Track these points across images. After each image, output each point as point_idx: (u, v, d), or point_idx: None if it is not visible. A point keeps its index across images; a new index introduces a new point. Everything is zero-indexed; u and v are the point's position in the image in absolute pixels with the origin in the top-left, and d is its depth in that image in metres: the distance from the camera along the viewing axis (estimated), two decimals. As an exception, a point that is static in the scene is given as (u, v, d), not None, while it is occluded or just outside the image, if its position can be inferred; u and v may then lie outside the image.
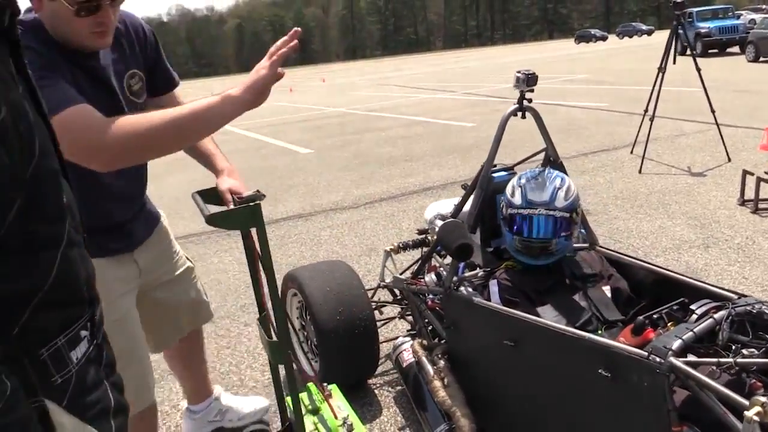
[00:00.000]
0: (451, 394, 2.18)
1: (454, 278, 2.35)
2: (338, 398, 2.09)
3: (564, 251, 2.30)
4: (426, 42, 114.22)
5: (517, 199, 2.25)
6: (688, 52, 7.28)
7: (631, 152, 7.06)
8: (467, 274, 2.42)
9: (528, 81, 2.28)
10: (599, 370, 1.75)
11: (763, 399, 1.38)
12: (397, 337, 2.78)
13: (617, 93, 13.09)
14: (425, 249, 2.94)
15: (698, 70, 6.40)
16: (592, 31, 55.59)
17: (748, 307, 1.80)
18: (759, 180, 4.78)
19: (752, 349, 1.67)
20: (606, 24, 78.36)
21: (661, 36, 43.68)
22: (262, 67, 1.53)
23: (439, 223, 2.41)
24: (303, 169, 8.36)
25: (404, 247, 2.94)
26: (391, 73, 35.69)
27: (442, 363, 2.32)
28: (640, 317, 1.91)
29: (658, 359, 1.62)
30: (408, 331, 2.93)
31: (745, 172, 4.97)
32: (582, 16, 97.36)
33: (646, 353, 1.66)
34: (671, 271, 2.28)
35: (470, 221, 2.37)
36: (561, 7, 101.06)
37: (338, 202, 6.28)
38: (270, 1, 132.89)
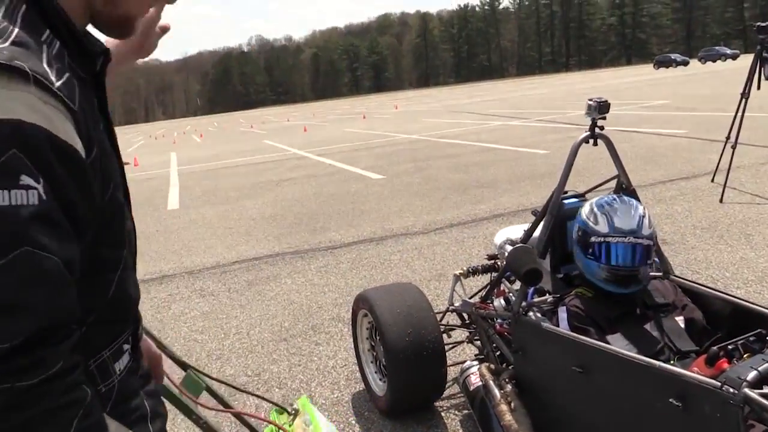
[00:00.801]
0: (517, 419, 2.19)
1: (523, 303, 2.37)
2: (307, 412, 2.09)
3: (648, 279, 2.29)
4: (499, 69, 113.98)
5: (603, 227, 2.23)
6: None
7: (712, 180, 6.81)
8: (536, 299, 2.44)
9: (600, 108, 2.30)
10: (670, 400, 1.73)
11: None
12: (465, 361, 2.81)
13: (697, 120, 12.65)
14: (494, 274, 2.97)
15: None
16: (672, 56, 53.96)
17: (830, 340, 1.74)
18: None
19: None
20: (687, 48, 75.89)
21: (747, 60, 41.83)
22: None
23: (509, 248, 2.44)
24: (375, 194, 8.51)
25: (473, 271, 2.98)
26: (464, 100, 35.80)
27: (509, 387, 2.33)
28: (714, 347, 1.87)
29: (731, 390, 1.59)
30: (476, 355, 2.94)
31: (837, 203, 4.71)
32: (661, 40, 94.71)
33: (719, 383, 1.63)
34: (749, 302, 2.22)
35: (540, 247, 2.39)
36: (639, 32, 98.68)
37: (409, 227, 6.36)
38: (346, 31, 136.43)
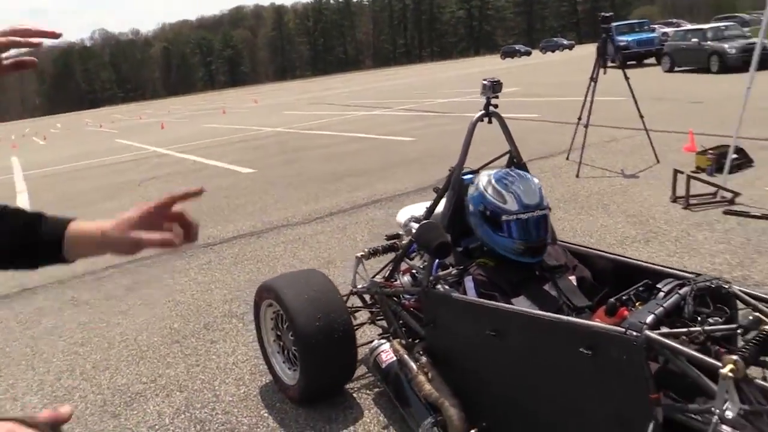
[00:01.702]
0: (437, 387, 2.27)
1: (430, 277, 2.45)
2: None
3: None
4: (355, 61, 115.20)
5: (512, 206, 2.33)
6: (610, 64, 7.74)
7: (567, 158, 7.40)
8: (441, 273, 2.52)
9: (494, 88, 2.42)
10: (580, 349, 1.88)
11: (734, 357, 1.53)
12: (371, 341, 2.85)
13: (547, 105, 13.63)
14: (394, 254, 3.03)
15: (627, 79, 6.81)
16: (517, 47, 57.55)
17: (707, 283, 1.97)
18: (689, 178, 5.13)
19: (716, 318, 1.85)
20: (529, 39, 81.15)
21: (582, 50, 45.74)
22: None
23: (415, 225, 2.50)
24: (248, 188, 8.32)
25: (374, 252, 3.02)
26: (323, 92, 35.84)
27: (424, 359, 2.40)
28: (612, 299, 2.06)
29: (635, 333, 1.76)
30: (380, 335, 2.99)
31: (676, 171, 5.31)
32: (506, 32, 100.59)
33: (623, 329, 1.80)
34: (629, 258, 2.46)
35: (444, 222, 2.48)
36: (486, 25, 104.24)
37: (289, 218, 6.29)
38: (197, 24, 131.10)
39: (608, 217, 5.08)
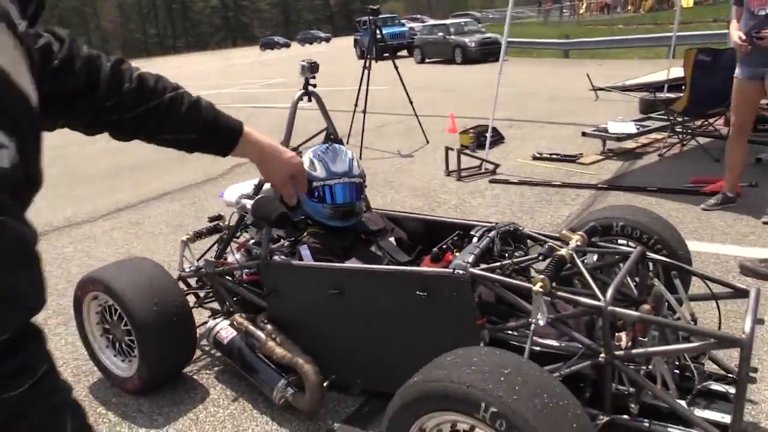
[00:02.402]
0: (288, 349, 2.42)
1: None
2: None
3: (362, 212, 2.71)
4: (102, 50, 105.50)
5: (321, 173, 2.58)
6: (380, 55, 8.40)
7: (347, 143, 7.87)
8: (274, 246, 2.67)
9: (311, 68, 2.61)
10: (417, 293, 2.19)
11: (541, 276, 1.95)
12: (206, 322, 2.89)
13: (319, 94, 14.14)
14: (220, 235, 3.09)
15: (396, 68, 7.47)
16: (276, 39, 57.94)
17: (507, 227, 2.42)
18: (459, 153, 5.86)
19: (519, 253, 2.29)
20: (286, 32, 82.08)
21: (338, 42, 47.65)
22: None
23: (247, 201, 2.60)
24: (7, 191, 7.40)
25: (199, 235, 3.04)
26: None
27: (269, 327, 2.54)
28: (435, 249, 2.41)
29: (461, 272, 2.11)
30: (210, 316, 3.03)
31: (447, 149, 6.02)
32: (263, 24, 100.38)
33: (451, 270, 2.14)
34: (435, 216, 2.85)
35: (276, 196, 2.62)
36: (242, 16, 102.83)
37: (70, 218, 5.80)
38: None
39: (396, 193, 5.59)
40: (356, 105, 7.47)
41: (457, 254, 2.29)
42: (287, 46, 55.09)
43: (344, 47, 31.44)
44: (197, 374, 2.86)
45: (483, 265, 2.18)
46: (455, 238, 2.50)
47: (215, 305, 3.10)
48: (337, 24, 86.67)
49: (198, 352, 2.96)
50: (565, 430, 1.50)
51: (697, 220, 4.25)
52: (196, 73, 29.19)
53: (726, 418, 1.95)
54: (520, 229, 2.45)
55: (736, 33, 4.06)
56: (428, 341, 2.22)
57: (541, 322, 1.95)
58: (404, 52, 24.15)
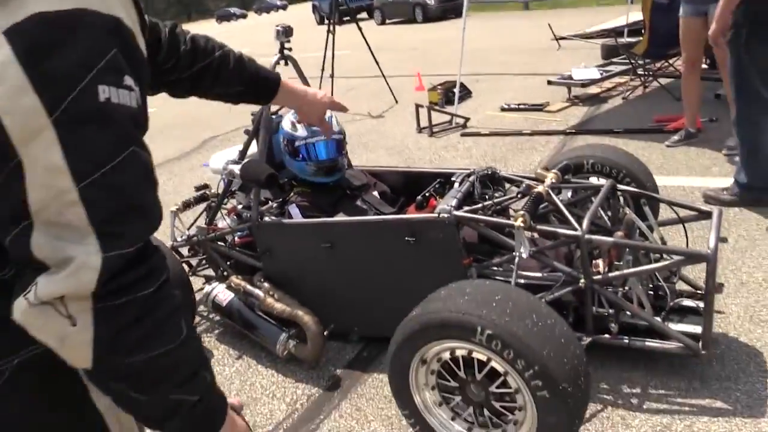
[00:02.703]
0: (287, 303, 2.54)
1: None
2: None
3: (344, 167, 2.81)
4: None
5: (302, 132, 2.67)
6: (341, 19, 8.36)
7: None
8: (263, 207, 2.76)
9: (286, 33, 2.67)
10: (406, 238, 2.31)
11: (521, 212, 2.09)
12: (203, 288, 2.99)
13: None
14: (208, 203, 3.17)
15: (360, 30, 7.47)
16: (232, 10, 56.61)
17: (485, 171, 2.54)
18: (429, 110, 5.95)
19: (498, 194, 2.42)
20: (242, 3, 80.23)
21: (296, 9, 46.76)
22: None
23: (234, 166, 2.67)
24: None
25: (188, 204, 3.11)
26: None
27: (266, 285, 2.65)
28: (419, 197, 2.53)
29: (446, 215, 2.24)
30: (208, 280, 3.12)
31: (417, 106, 6.10)
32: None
33: (436, 214, 2.27)
34: (415, 168, 2.97)
35: (263, 159, 2.70)
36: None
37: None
38: None
39: (371, 153, 5.68)
40: (323, 70, 7.48)
41: (440, 200, 2.42)
42: (244, 17, 53.92)
43: (302, 14, 30.96)
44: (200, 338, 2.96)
45: (466, 208, 2.31)
46: (437, 185, 2.63)
47: (208, 272, 3.20)
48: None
49: (196, 318, 3.07)
50: (554, 344, 1.65)
51: (663, 156, 4.43)
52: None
53: (697, 329, 2.13)
54: (498, 172, 2.58)
55: None
56: (419, 284, 2.33)
57: (524, 255, 2.10)
58: (364, 15, 23.89)
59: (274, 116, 2.86)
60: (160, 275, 0.80)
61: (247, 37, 25.84)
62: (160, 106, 10.50)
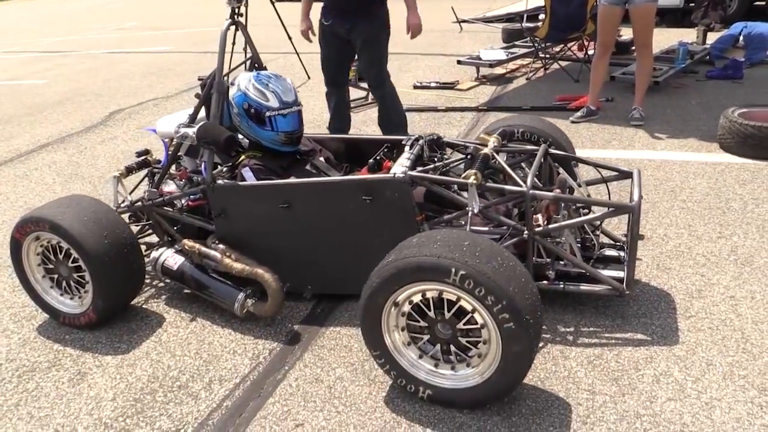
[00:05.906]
0: (246, 263, 2.62)
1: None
2: None
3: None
4: None
5: (274, 103, 2.74)
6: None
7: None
8: (215, 171, 2.80)
9: (239, -2, 2.72)
10: (363, 197, 2.46)
11: (473, 171, 2.30)
12: (149, 253, 2.99)
13: (177, 37, 13.50)
14: (150, 168, 3.15)
15: (273, 4, 7.41)
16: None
17: (431, 137, 2.74)
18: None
19: (446, 156, 2.63)
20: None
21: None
22: None
23: (188, 129, 2.69)
24: None
25: (131, 170, 3.08)
26: None
27: (221, 246, 2.71)
28: (371, 159, 2.68)
29: (401, 175, 2.41)
30: (150, 247, 3.12)
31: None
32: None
33: (392, 174, 2.43)
34: (354, 135, 3.12)
35: (216, 122, 2.74)
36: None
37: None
38: None
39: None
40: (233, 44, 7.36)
41: (393, 163, 2.59)
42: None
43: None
44: (146, 304, 2.97)
45: (419, 168, 2.50)
46: (386, 150, 2.79)
47: (150, 240, 3.20)
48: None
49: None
50: (517, 282, 1.88)
51: (568, 131, 4.79)
52: (30, 19, 26.40)
53: (621, 274, 2.45)
54: (442, 138, 2.79)
55: None
56: (373, 241, 2.51)
57: (476, 210, 2.32)
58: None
59: (226, 79, 2.89)
60: None
61: (131, 11, 24.64)
62: (52, 79, 9.91)
